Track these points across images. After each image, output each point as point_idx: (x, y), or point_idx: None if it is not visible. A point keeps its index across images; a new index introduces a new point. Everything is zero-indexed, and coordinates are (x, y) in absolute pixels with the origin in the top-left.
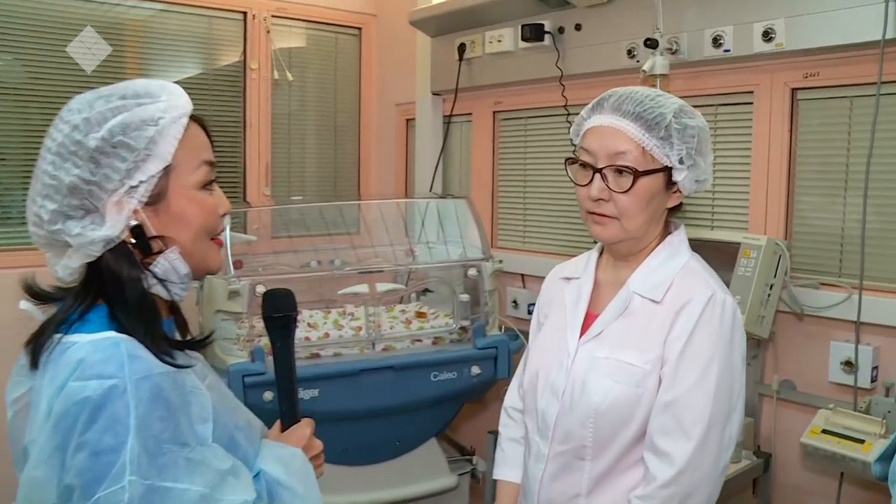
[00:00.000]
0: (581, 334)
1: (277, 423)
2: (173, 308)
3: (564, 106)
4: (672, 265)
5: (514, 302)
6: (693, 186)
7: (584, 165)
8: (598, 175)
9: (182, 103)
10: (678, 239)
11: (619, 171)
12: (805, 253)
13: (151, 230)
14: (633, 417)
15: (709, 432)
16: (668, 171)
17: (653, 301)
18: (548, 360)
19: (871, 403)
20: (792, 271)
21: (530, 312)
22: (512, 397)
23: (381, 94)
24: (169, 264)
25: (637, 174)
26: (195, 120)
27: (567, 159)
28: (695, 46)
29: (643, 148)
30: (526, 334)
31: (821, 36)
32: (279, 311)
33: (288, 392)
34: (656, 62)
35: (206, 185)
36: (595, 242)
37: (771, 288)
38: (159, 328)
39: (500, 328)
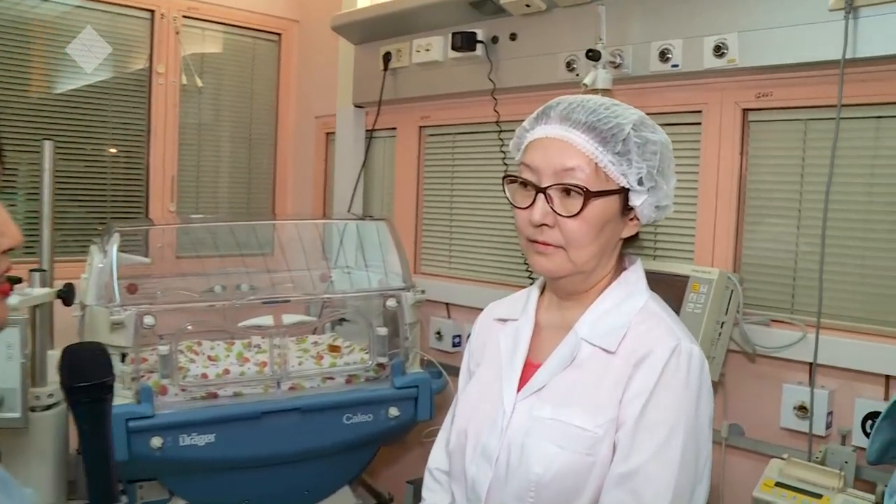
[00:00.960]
0: (519, 388)
1: None
2: None
3: (496, 122)
4: (628, 308)
5: (438, 333)
6: (652, 214)
7: (526, 184)
8: (541, 196)
9: None
10: (635, 276)
11: (567, 190)
12: (755, 287)
13: None
14: (583, 491)
15: None
16: (624, 193)
17: (605, 351)
18: (479, 418)
19: (827, 452)
20: (742, 307)
21: (455, 345)
22: (437, 457)
23: (300, 104)
24: None
25: (588, 195)
26: None
27: (505, 176)
28: (640, 60)
29: (596, 164)
30: (451, 370)
31: (776, 53)
32: (85, 379)
33: (102, 489)
34: (598, 76)
35: None
36: (531, 276)
37: (722, 326)
38: None
39: (421, 364)
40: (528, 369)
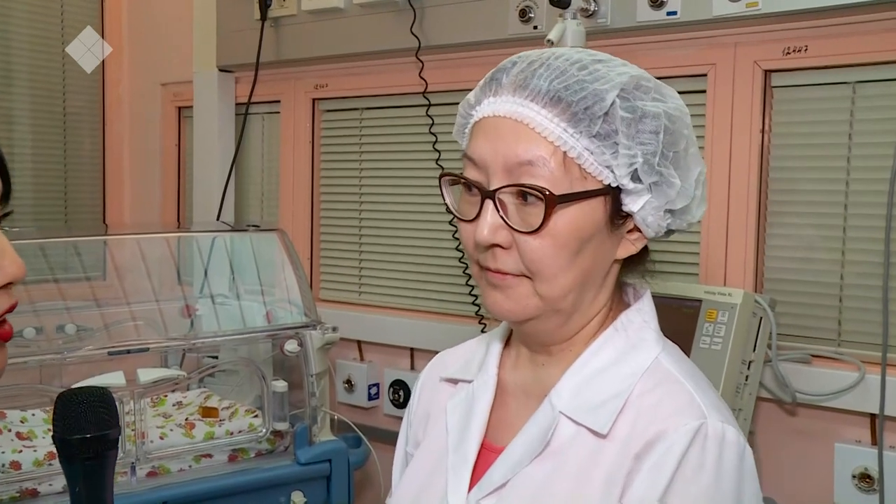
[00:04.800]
0: (472, 483)
1: None
2: None
3: (423, 93)
4: (629, 366)
5: (348, 383)
6: (663, 222)
7: (470, 186)
8: (489, 203)
9: None
10: (639, 318)
11: (524, 194)
12: (786, 311)
13: None
14: None
15: None
16: (612, 194)
17: (593, 433)
18: None
19: None
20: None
21: (372, 398)
22: None
23: (137, 66)
24: None
25: (552, 200)
26: None
27: (442, 175)
28: (623, 7)
29: (564, 154)
30: (372, 433)
31: None
32: (82, 430)
33: None
34: (567, 29)
35: None
36: (476, 301)
37: (749, 367)
38: None
39: (332, 428)
40: (487, 455)
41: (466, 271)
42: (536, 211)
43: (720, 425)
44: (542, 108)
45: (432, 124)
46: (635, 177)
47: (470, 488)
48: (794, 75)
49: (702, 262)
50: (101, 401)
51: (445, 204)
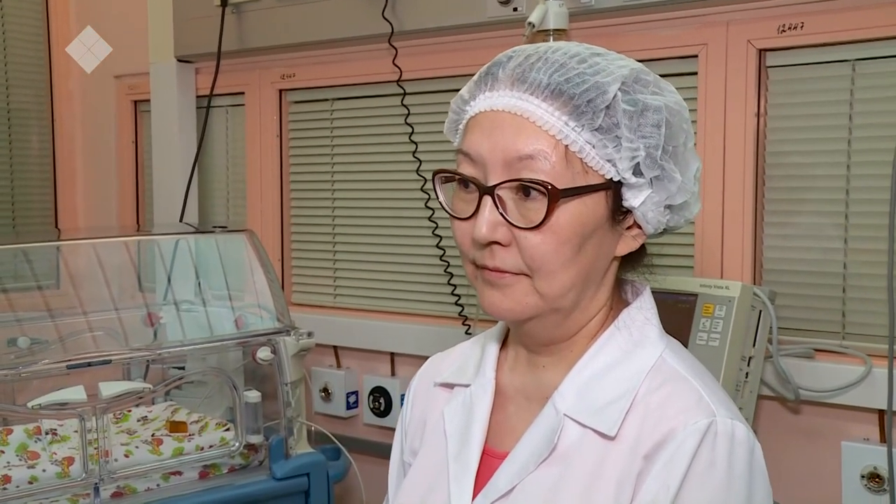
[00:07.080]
0: (476, 491)
1: None
2: None
3: (397, 81)
4: (633, 366)
5: (325, 391)
6: (662, 218)
7: (466, 183)
8: (487, 199)
9: None
10: (641, 315)
11: (525, 189)
12: (786, 304)
13: None
14: None
15: None
16: (614, 189)
17: (602, 435)
18: None
19: None
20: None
21: (351, 407)
22: None
23: None
24: None
25: (554, 195)
26: None
27: (436, 173)
28: None
29: (566, 148)
30: (351, 444)
31: None
32: None
33: None
34: (549, 11)
35: None
36: (459, 302)
37: (749, 363)
38: None
39: (309, 440)
40: (489, 461)
41: (448, 270)
42: (538, 206)
43: (729, 422)
44: (542, 102)
45: (408, 115)
46: (637, 171)
47: (474, 496)
48: (791, 54)
49: (697, 254)
50: None
51: (434, 201)
